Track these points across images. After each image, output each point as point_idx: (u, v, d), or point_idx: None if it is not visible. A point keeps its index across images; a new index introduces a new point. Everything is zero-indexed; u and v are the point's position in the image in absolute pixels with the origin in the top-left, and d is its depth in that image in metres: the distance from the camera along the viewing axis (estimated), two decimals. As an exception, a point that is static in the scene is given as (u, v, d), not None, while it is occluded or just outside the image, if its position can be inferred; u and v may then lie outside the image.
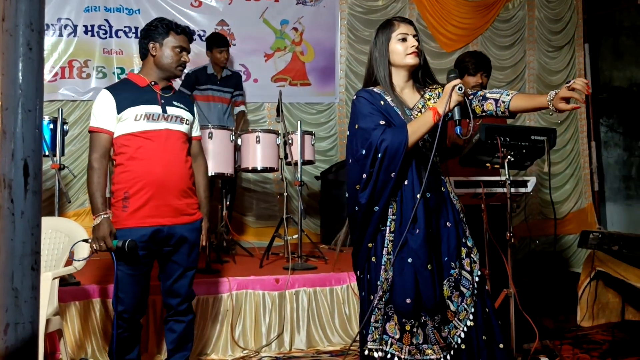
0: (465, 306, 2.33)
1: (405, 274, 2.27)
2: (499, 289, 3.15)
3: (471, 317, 2.32)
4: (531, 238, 6.28)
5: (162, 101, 2.85)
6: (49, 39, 5.61)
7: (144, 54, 2.88)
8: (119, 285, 2.78)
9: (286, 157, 4.62)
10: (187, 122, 2.95)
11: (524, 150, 3.11)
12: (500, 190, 3.20)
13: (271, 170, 4.72)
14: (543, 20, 6.90)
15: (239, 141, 4.58)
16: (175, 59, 2.85)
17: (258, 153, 4.56)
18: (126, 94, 2.78)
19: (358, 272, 2.45)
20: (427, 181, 2.32)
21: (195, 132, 3.08)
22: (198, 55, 5.99)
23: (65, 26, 5.68)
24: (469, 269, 2.37)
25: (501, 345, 2.36)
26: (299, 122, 4.76)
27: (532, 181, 3.33)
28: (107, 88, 2.83)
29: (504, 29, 6.81)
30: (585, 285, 3.41)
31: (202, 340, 3.69)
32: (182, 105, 2.94)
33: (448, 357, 2.26)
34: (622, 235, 3.30)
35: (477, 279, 2.39)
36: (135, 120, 2.76)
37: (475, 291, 2.36)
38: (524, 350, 3.15)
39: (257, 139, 4.52)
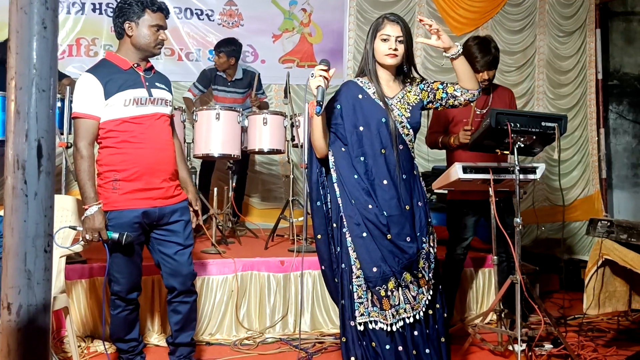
0: (431, 276, 2.62)
1: (363, 247, 2.51)
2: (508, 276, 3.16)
3: (432, 287, 2.62)
4: (538, 225, 6.26)
5: (147, 84, 2.80)
6: (57, 16, 5.57)
7: (119, 33, 2.79)
8: (114, 267, 2.79)
9: (293, 139, 4.60)
10: (170, 104, 2.92)
11: (534, 137, 3.09)
12: (508, 176, 3.19)
13: (278, 152, 4.71)
14: (554, 4, 6.80)
15: (245, 123, 4.56)
16: (153, 38, 2.76)
17: (265, 135, 4.54)
18: (112, 78, 2.70)
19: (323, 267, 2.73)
20: (401, 165, 2.58)
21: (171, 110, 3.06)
22: (205, 34, 5.96)
23: (73, 3, 5.64)
24: (433, 244, 2.67)
25: (445, 315, 2.70)
26: (306, 104, 4.73)
27: (541, 168, 3.31)
28: (90, 71, 2.73)
29: (514, 13, 6.72)
30: (592, 273, 3.39)
31: (206, 321, 3.70)
32: (163, 86, 2.90)
33: (417, 316, 2.54)
34: (631, 224, 3.28)
35: (436, 255, 2.69)
36: (125, 105, 2.70)
37: (434, 265, 2.66)
38: (528, 336, 3.15)
39: (264, 121, 4.50)
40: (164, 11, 2.81)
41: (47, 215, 0.70)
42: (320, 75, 2.46)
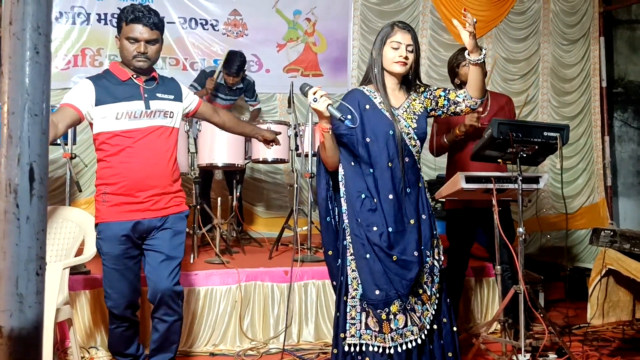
0: (435, 291, 2.55)
1: (366, 268, 2.44)
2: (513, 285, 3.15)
3: (437, 301, 2.56)
4: (542, 233, 6.24)
5: (145, 95, 2.75)
6: (63, 27, 5.61)
7: None
8: (106, 282, 2.77)
9: (297, 148, 4.61)
10: (172, 115, 2.84)
11: (537, 147, 3.09)
12: (511, 186, 3.18)
13: (282, 161, 4.72)
14: (558, 12, 6.80)
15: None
16: (129, 51, 2.69)
17: (269, 144, 4.55)
18: (108, 87, 2.69)
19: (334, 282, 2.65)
20: (406, 178, 2.51)
21: (195, 102, 3.02)
22: (210, 44, 5.99)
23: (79, 14, 5.68)
24: (437, 258, 2.61)
25: (454, 328, 2.64)
26: (309, 113, 4.74)
27: (544, 177, 3.29)
28: (89, 78, 2.75)
29: (518, 22, 6.72)
30: (596, 282, 3.39)
31: (210, 331, 3.70)
32: (167, 96, 2.83)
33: (423, 336, 2.46)
34: (635, 234, 3.27)
35: (442, 267, 2.63)
36: (117, 118, 2.68)
37: (438, 278, 2.59)
38: (532, 347, 3.14)
39: (268, 130, 4.51)
40: (140, 22, 2.68)
41: (39, 239, 0.71)
42: (321, 96, 2.33)
